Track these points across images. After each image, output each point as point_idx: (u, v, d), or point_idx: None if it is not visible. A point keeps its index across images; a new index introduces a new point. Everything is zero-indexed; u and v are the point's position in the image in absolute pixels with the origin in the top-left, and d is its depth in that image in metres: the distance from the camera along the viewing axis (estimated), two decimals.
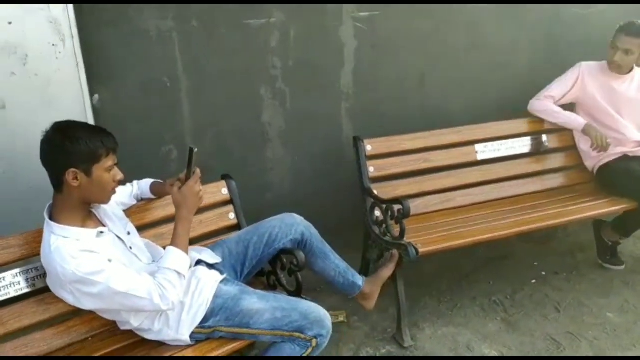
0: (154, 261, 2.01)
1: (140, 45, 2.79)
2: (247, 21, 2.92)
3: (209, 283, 2.00)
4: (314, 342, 1.94)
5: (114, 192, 1.90)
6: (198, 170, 1.99)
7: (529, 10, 3.43)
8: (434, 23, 3.25)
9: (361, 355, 2.59)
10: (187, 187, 1.96)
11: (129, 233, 2.00)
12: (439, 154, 3.09)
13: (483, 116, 3.31)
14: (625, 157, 3.15)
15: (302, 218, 2.37)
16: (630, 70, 3.11)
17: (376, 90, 3.26)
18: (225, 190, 2.49)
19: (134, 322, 1.93)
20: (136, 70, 2.82)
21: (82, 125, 1.85)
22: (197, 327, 1.94)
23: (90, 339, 2.05)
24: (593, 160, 3.23)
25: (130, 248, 1.95)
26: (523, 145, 3.25)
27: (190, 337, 1.94)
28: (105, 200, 1.89)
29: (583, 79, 3.16)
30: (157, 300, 1.79)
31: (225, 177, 2.52)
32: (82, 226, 1.83)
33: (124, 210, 2.15)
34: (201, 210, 2.41)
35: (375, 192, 2.91)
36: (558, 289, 3.06)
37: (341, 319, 2.87)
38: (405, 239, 2.61)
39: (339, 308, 2.89)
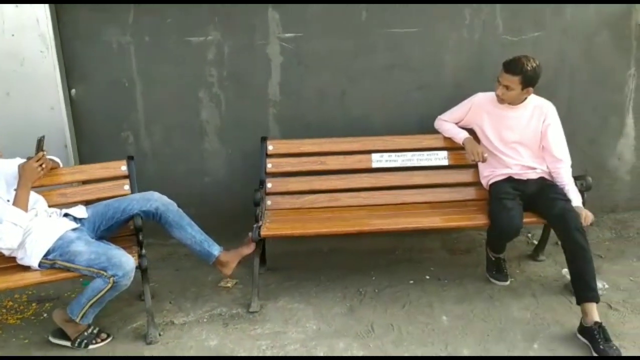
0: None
1: (106, 54, 3.68)
2: (188, 38, 3.67)
3: (59, 229, 2.80)
4: (111, 279, 2.65)
5: None
6: (40, 153, 2.82)
7: (453, 35, 3.70)
8: (353, 45, 3.70)
9: (215, 313, 3.21)
10: (27, 163, 2.81)
11: (15, 190, 2.85)
12: (335, 159, 3.55)
13: (405, 131, 3.68)
14: (509, 179, 3.32)
15: (160, 196, 3.06)
16: (523, 101, 3.26)
17: (300, 100, 3.79)
18: (124, 167, 3.25)
19: (5, 252, 2.80)
20: (103, 72, 3.72)
21: None
22: (42, 258, 2.74)
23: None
24: (485, 179, 3.44)
25: (8, 201, 2.80)
26: (421, 158, 3.55)
27: (40, 265, 2.76)
28: None
29: (474, 110, 3.39)
30: None
31: (129, 157, 3.29)
32: None
33: None
34: (101, 180, 3.23)
35: (269, 185, 3.50)
36: (423, 292, 3.34)
37: (229, 285, 3.50)
38: (266, 223, 3.20)
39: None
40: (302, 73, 3.74)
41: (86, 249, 2.70)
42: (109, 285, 2.66)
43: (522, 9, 3.68)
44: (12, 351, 2.91)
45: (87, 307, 2.74)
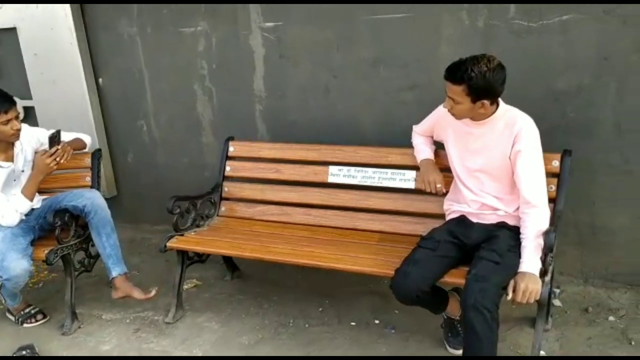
0: None
1: (119, 45, 3.81)
2: (181, 29, 3.56)
3: None
4: (1, 279, 2.80)
5: (15, 136, 2.91)
6: (54, 148, 2.92)
7: (449, 21, 2.85)
8: (334, 34, 3.13)
9: (141, 315, 3.16)
10: (39, 157, 2.94)
11: (22, 171, 3.06)
12: (291, 168, 3.13)
13: (396, 138, 3.05)
14: (461, 219, 2.50)
15: (95, 196, 3.05)
16: (491, 115, 2.37)
17: (284, 97, 3.39)
18: (88, 160, 3.35)
19: None
20: (119, 63, 3.87)
21: None
22: None
23: None
24: (445, 212, 2.65)
25: (14, 180, 3.03)
26: (384, 177, 2.89)
27: None
28: (10, 140, 2.93)
29: (440, 122, 2.59)
30: None
31: (95, 151, 3.36)
32: None
33: None
34: (65, 170, 3.37)
35: (226, 189, 3.27)
36: (352, 339, 2.77)
37: (187, 286, 3.41)
38: (192, 233, 3.03)
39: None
40: (284, 66, 3.33)
41: None
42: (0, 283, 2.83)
43: None
44: None
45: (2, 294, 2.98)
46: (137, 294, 3.02)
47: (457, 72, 2.24)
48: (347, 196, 2.99)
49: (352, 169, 2.96)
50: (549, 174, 2.54)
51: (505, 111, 2.37)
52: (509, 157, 2.35)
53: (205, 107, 3.67)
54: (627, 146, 2.65)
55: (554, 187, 2.53)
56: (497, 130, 2.37)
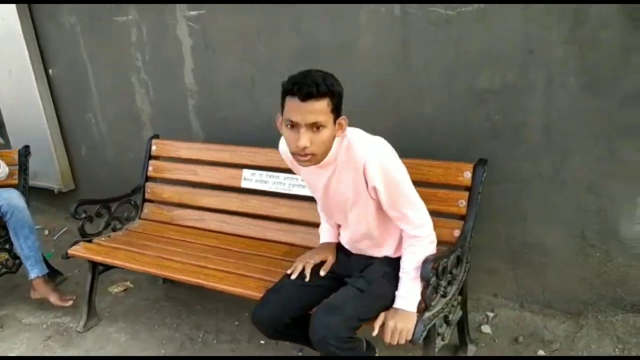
0: None
1: (63, 35, 3.66)
2: (115, 18, 3.37)
3: None
4: None
5: None
6: None
7: (366, 9, 2.51)
8: (258, 23, 2.84)
9: (58, 321, 3.04)
10: None
11: None
12: (208, 170, 2.90)
13: None
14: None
15: (13, 196, 2.94)
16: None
17: (212, 92, 3.15)
18: (15, 156, 3.25)
19: None
20: (64, 54, 3.73)
21: None
22: None
23: None
24: None
25: None
26: (294, 184, 2.62)
27: None
28: None
29: (293, 166, 2.08)
30: None
31: (24, 147, 3.26)
32: None
33: None
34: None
35: (148, 190, 3.08)
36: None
37: (115, 290, 3.28)
38: (102, 239, 2.86)
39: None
40: (211, 58, 3.08)
41: None
42: None
43: None
44: None
45: None
46: (54, 299, 2.95)
47: (318, 84, 1.73)
48: (258, 203, 2.73)
49: (265, 173, 2.70)
50: (461, 187, 2.21)
51: (341, 139, 1.88)
52: (370, 196, 1.90)
53: (144, 101, 3.48)
54: (559, 153, 2.25)
55: (464, 203, 2.19)
56: (341, 164, 1.88)
